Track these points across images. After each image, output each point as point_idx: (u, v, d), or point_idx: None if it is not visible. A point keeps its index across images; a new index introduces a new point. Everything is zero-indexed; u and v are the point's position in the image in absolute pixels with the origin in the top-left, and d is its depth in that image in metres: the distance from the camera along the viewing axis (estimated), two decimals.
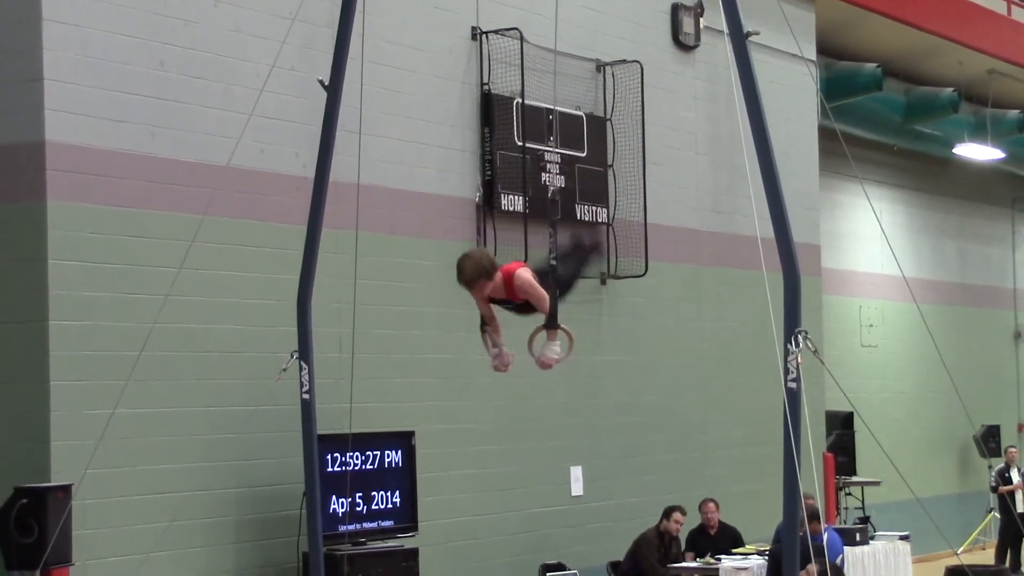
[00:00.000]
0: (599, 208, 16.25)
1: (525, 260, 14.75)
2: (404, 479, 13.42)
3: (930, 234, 27.34)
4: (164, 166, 12.05)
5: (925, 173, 26.84)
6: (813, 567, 8.87)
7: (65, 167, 11.30)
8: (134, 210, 11.80)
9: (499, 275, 8.72)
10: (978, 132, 24.94)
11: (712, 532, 16.23)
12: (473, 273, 8.65)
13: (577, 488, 16.14)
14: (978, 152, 25.42)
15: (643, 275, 16.63)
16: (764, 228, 8.41)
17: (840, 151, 20.60)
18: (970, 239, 28.78)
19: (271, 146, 12.89)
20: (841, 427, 21.70)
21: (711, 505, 16.33)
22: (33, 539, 10.48)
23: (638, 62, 16.69)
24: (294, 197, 12.75)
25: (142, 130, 11.89)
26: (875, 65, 21.44)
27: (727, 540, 15.93)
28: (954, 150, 25.29)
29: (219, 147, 12.07)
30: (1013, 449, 23.88)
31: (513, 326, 9.26)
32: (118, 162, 11.70)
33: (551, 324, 8.67)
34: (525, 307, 8.88)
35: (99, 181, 11.54)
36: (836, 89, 21.21)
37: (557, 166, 15.68)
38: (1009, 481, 22.90)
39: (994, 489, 23.35)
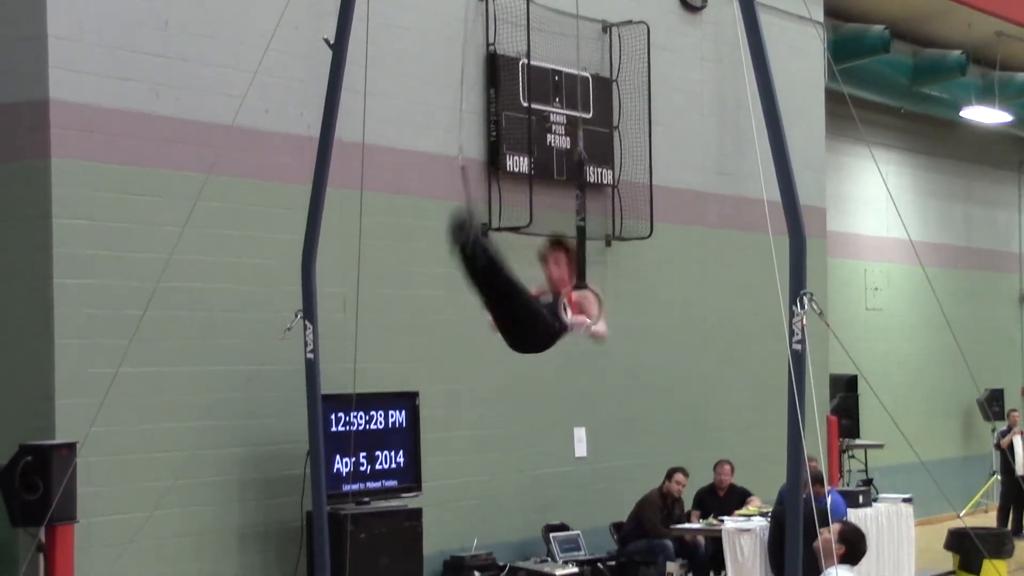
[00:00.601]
0: (604, 169, 16.21)
1: (530, 220, 14.76)
2: (408, 439, 13.44)
3: (936, 197, 27.27)
4: (168, 125, 12.03)
5: (932, 136, 26.75)
6: (829, 531, 8.85)
7: (69, 125, 11.28)
8: (138, 169, 11.79)
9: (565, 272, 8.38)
10: (985, 95, 24.84)
11: (721, 493, 16.25)
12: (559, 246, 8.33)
13: (581, 449, 16.16)
14: (985, 115, 25.33)
15: (648, 237, 16.60)
16: (770, 191, 8.39)
17: (846, 114, 20.54)
18: (976, 202, 28.72)
19: (276, 105, 12.85)
20: (845, 390, 21.70)
21: (727, 467, 16.33)
22: (38, 496, 10.52)
23: (645, 23, 16.61)
24: (299, 157, 12.73)
25: (146, 89, 11.86)
26: (882, 27, 21.33)
27: (735, 502, 15.96)
28: (961, 113, 25.19)
29: (224, 106, 12.04)
30: (1016, 412, 23.87)
31: None
32: (122, 120, 11.68)
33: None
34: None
35: (103, 139, 11.53)
36: (843, 51, 21.11)
37: (563, 127, 15.64)
38: (1011, 444, 22.90)
39: (997, 446, 23.33)
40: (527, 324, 8.18)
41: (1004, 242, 29.74)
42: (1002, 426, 23.82)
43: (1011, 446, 22.78)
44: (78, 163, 11.34)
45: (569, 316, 8.22)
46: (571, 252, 8.32)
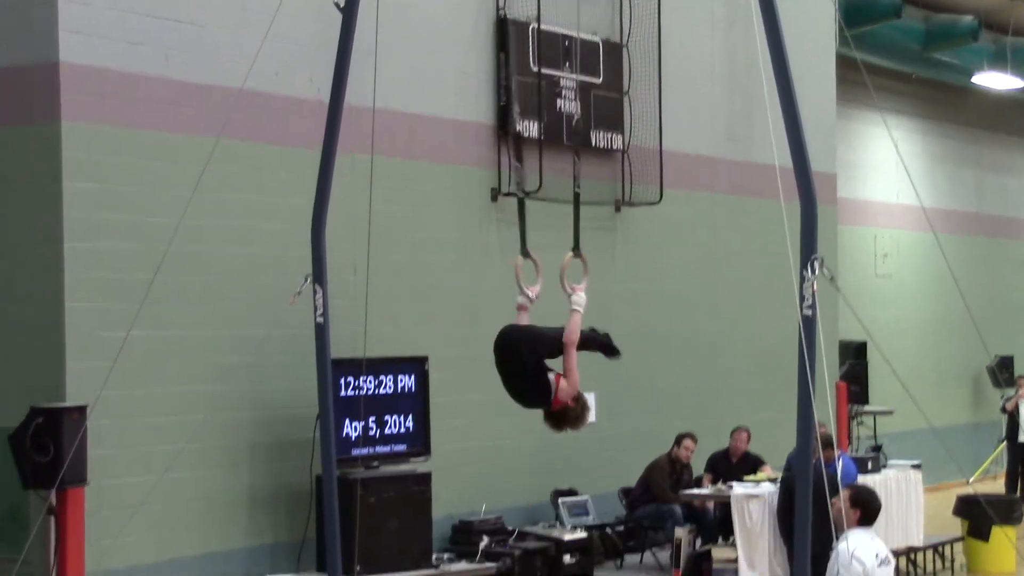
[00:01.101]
0: (614, 135, 16.19)
1: (540, 185, 14.74)
2: (417, 404, 13.46)
3: (947, 163, 27.20)
4: (178, 88, 12.02)
5: (943, 102, 26.66)
6: (840, 499, 8.84)
7: (79, 89, 11.28)
8: (148, 132, 11.78)
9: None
10: (997, 61, 24.74)
11: (734, 459, 16.25)
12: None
13: (590, 415, 16.14)
14: (997, 81, 25.23)
15: (658, 203, 16.57)
16: (781, 156, 8.37)
17: (857, 79, 20.51)
18: (987, 169, 28.64)
19: (286, 69, 12.83)
20: (854, 357, 21.69)
21: (744, 435, 16.32)
22: (49, 458, 10.54)
23: None
24: (309, 121, 12.71)
25: (156, 52, 11.85)
26: None
27: (748, 468, 15.97)
28: (973, 79, 25.10)
29: (233, 70, 12.02)
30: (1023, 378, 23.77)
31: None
32: (132, 84, 11.67)
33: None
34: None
35: (113, 103, 11.52)
36: (854, 16, 21.01)
37: (573, 92, 15.61)
38: (1016, 408, 22.76)
39: (1003, 409, 23.23)
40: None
41: (1015, 208, 29.67)
42: (1011, 392, 23.77)
43: (1017, 409, 22.68)
44: (88, 126, 11.34)
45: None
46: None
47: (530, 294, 9.28)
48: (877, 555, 8.70)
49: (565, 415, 9.09)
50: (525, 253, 9.55)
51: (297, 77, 12.95)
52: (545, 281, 9.44)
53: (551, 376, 8.96)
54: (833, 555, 8.78)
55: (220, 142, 11.37)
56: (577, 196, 9.32)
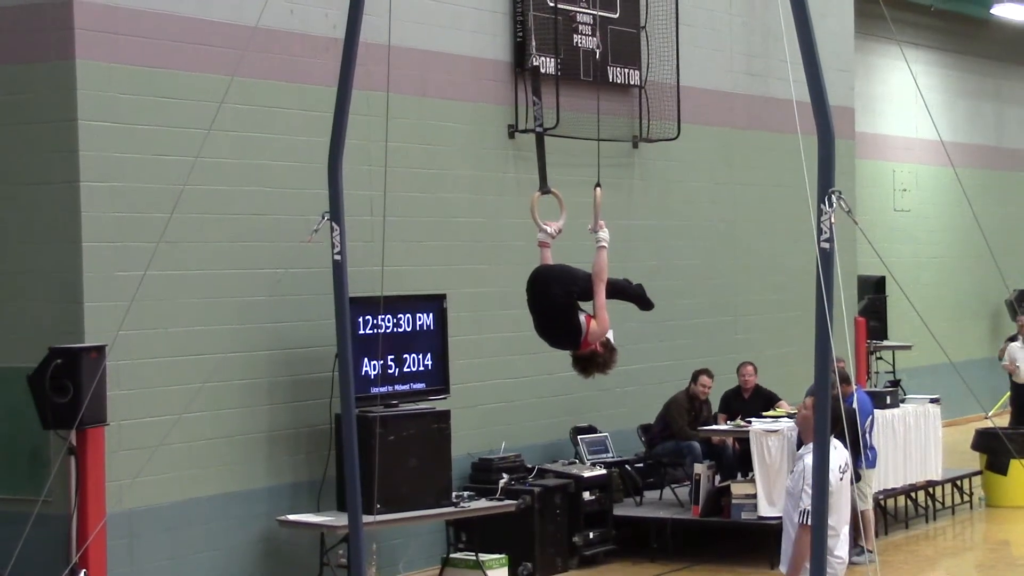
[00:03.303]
0: (631, 70, 16.09)
1: (557, 121, 14.66)
2: (436, 342, 13.45)
3: (966, 97, 27.04)
4: (193, 25, 11.96)
5: (962, 34, 26.48)
6: (805, 407, 8.86)
7: (93, 26, 11.22)
8: (163, 70, 11.74)
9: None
10: None
11: (746, 395, 16.25)
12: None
13: (617, 360, 16.14)
14: (1017, 12, 25.05)
15: (675, 138, 16.51)
16: (798, 91, 8.31)
17: (875, 12, 20.37)
18: (1007, 101, 28.47)
19: (300, 6, 12.77)
20: (873, 292, 21.67)
21: (749, 368, 16.31)
22: (68, 399, 10.56)
23: None
24: (324, 58, 12.66)
25: None
26: None
27: (761, 403, 15.96)
28: (992, 10, 24.93)
29: (248, 7, 11.96)
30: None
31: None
32: (146, 21, 11.61)
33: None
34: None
35: (128, 40, 11.47)
36: None
37: (590, 27, 15.51)
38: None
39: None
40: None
41: None
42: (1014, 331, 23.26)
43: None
44: (103, 65, 11.30)
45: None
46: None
47: (549, 229, 9.24)
48: (840, 467, 8.71)
49: (593, 360, 9.12)
50: (545, 190, 9.50)
51: (312, 14, 12.88)
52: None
53: (582, 317, 8.96)
54: (797, 468, 8.77)
55: (235, 80, 11.32)
56: (540, 136, 9.30)
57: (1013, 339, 21.74)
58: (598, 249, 9.02)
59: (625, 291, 9.44)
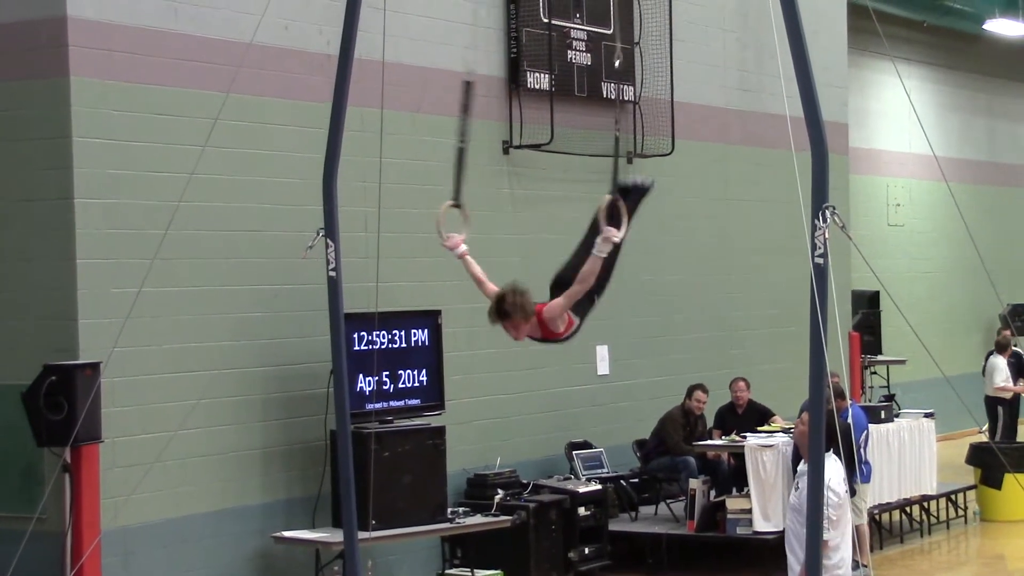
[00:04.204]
0: (626, 86, 16.12)
1: (551, 137, 14.71)
2: (431, 358, 13.44)
3: (959, 112, 27.10)
4: (187, 43, 11.97)
5: (955, 50, 26.54)
6: (802, 422, 8.88)
7: (87, 43, 11.23)
8: (157, 87, 11.74)
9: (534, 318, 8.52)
10: (1009, 7, 24.60)
11: (740, 411, 16.26)
12: (514, 312, 8.53)
13: (603, 367, 16.17)
14: (1009, 28, 25.10)
15: (669, 154, 16.53)
16: (792, 106, 8.33)
17: (867, 28, 20.41)
18: (999, 117, 28.53)
19: (295, 23, 12.78)
20: (867, 306, 21.69)
21: (741, 384, 16.33)
22: (63, 416, 10.55)
23: None
24: (318, 74, 12.67)
25: (164, 6, 11.80)
26: None
27: (755, 419, 15.97)
28: (984, 26, 24.97)
29: (242, 23, 11.98)
30: (1007, 331, 23.02)
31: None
32: (141, 38, 11.62)
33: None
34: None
35: (122, 57, 11.48)
36: None
37: (584, 43, 15.54)
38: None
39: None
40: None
41: None
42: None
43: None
44: (97, 82, 11.30)
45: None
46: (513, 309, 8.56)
47: (449, 243, 9.13)
48: (843, 479, 8.76)
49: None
50: (457, 203, 9.40)
51: (306, 30, 12.90)
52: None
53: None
54: (801, 483, 8.77)
55: (229, 97, 11.33)
56: (616, 140, 9.18)
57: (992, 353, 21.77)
58: (595, 256, 8.69)
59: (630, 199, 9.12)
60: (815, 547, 7.40)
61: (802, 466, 9.01)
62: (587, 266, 8.43)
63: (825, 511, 7.58)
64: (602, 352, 16.10)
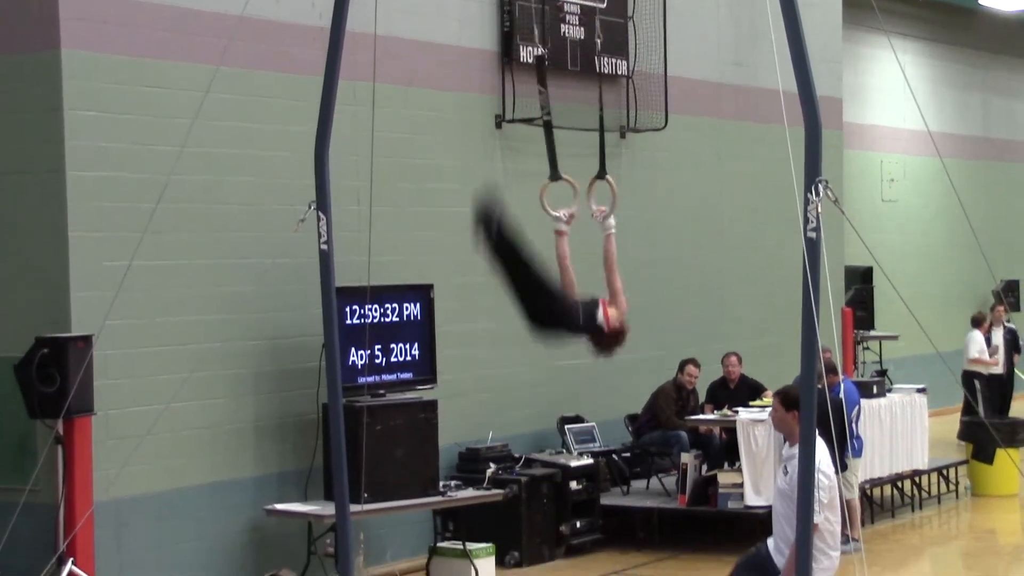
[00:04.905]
0: (619, 60, 16.08)
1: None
2: (423, 332, 13.45)
3: (954, 87, 27.07)
4: (179, 15, 11.94)
5: (950, 25, 26.51)
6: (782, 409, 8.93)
7: (79, 15, 11.21)
8: (149, 60, 11.72)
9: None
10: None
11: (732, 385, 16.27)
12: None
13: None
14: (1004, 2, 25.06)
15: (663, 128, 16.51)
16: (786, 81, 8.32)
17: (862, 2, 20.37)
18: (994, 92, 28.51)
19: None
20: (860, 282, 21.69)
21: (733, 359, 16.33)
22: (55, 388, 10.56)
23: None
24: (310, 47, 12.63)
25: None
26: None
27: (747, 393, 15.98)
28: (980, 0, 24.93)
29: None
30: (1001, 308, 23.06)
31: None
32: (132, 11, 11.59)
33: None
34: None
35: (113, 30, 11.46)
36: None
37: (576, 17, 15.50)
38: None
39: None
40: (540, 302, 9.28)
41: (1022, 131, 29.55)
42: (1020, 317, 23.12)
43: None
44: (88, 54, 11.28)
45: (601, 320, 9.28)
46: None
47: (563, 216, 9.22)
48: (830, 463, 8.77)
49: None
50: (556, 176, 9.46)
51: (298, 3, 12.86)
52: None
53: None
54: (791, 466, 8.73)
55: (221, 69, 11.30)
56: (548, 123, 9.34)
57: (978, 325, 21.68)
58: (609, 236, 9.08)
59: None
60: (806, 532, 7.40)
61: (787, 449, 8.99)
62: (609, 248, 9.28)
63: (816, 494, 7.56)
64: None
